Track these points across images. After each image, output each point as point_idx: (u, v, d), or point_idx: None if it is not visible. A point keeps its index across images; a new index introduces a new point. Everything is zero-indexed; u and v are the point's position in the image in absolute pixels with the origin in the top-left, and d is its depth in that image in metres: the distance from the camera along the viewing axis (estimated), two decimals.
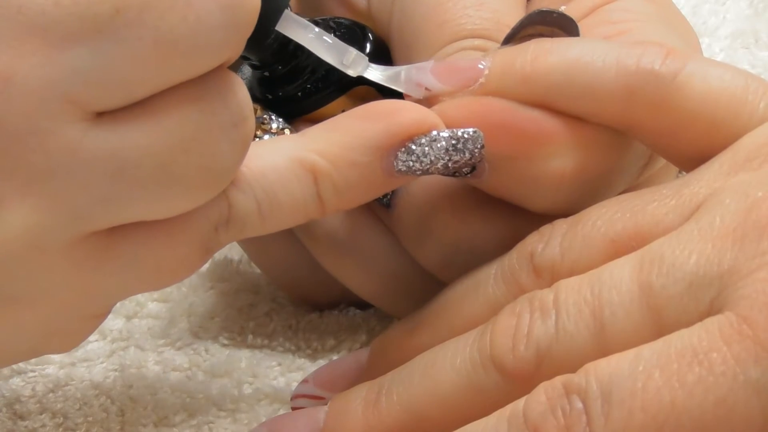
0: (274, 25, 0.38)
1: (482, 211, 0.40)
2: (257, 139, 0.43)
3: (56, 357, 0.47)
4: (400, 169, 0.37)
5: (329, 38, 0.39)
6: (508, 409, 0.33)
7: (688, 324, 0.32)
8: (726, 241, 0.33)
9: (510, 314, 0.35)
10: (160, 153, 0.32)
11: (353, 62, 0.39)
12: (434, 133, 0.38)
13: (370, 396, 0.37)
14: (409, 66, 0.40)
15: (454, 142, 0.38)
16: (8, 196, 0.31)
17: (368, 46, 0.43)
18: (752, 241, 0.32)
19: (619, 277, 0.34)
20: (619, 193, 0.39)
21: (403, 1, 0.43)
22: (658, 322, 0.33)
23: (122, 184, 0.32)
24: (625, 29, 0.43)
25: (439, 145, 0.37)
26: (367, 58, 0.39)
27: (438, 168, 0.38)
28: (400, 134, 0.37)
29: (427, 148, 0.37)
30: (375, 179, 0.37)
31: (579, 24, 0.42)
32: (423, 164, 0.37)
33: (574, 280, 0.35)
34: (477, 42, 0.41)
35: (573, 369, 0.32)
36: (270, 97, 0.44)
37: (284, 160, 0.36)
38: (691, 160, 0.37)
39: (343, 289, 0.45)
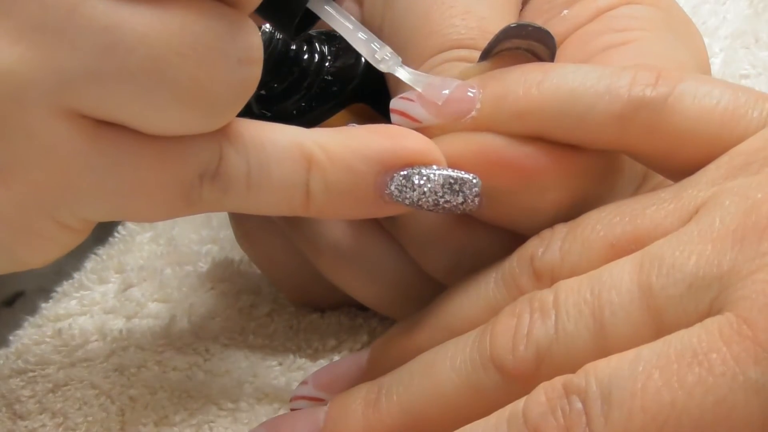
0: (305, 3, 0.39)
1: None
2: None
3: (57, 357, 0.47)
4: (391, 192, 0.37)
5: (364, 32, 0.40)
6: (508, 409, 0.33)
7: (688, 325, 0.32)
8: (725, 243, 0.33)
9: (510, 315, 0.35)
10: (155, 45, 0.32)
11: (386, 58, 0.40)
12: (435, 167, 0.38)
13: (369, 396, 0.37)
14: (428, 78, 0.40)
15: (451, 181, 0.38)
16: None
17: (362, 59, 0.43)
18: (752, 243, 0.32)
19: (619, 278, 0.34)
20: None
21: (393, 12, 0.43)
22: (658, 323, 0.33)
23: (112, 63, 0.32)
24: (630, 39, 0.43)
25: (436, 181, 0.37)
26: (400, 59, 0.40)
27: (428, 203, 0.38)
28: (404, 158, 0.37)
29: (424, 180, 0.37)
30: (364, 193, 0.37)
31: (583, 30, 0.42)
32: (416, 194, 0.37)
33: (574, 281, 0.35)
34: (462, 53, 0.41)
35: (573, 369, 0.32)
36: (267, 114, 0.44)
37: (286, 139, 0.36)
38: (689, 174, 0.37)
39: (345, 293, 0.45)
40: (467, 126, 0.39)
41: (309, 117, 0.43)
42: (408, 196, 0.37)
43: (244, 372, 0.45)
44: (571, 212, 0.39)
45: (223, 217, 0.54)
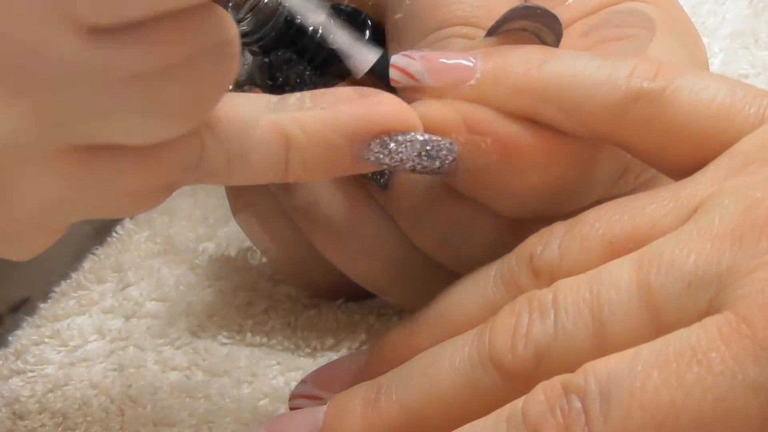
0: None
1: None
2: None
3: (56, 357, 0.47)
4: (368, 159, 0.38)
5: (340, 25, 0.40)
6: (507, 408, 0.33)
7: (687, 323, 0.32)
8: (725, 241, 0.33)
9: (509, 314, 0.35)
10: (148, 77, 0.32)
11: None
12: (411, 134, 0.38)
13: (369, 396, 0.37)
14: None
15: (428, 147, 0.38)
16: None
17: (367, 33, 0.43)
18: (751, 241, 0.32)
19: (618, 277, 0.34)
20: (592, 204, 0.39)
21: None
22: (657, 322, 0.33)
23: (109, 101, 0.32)
24: (628, 35, 0.43)
25: (412, 147, 0.38)
26: (382, 50, 0.40)
27: (405, 168, 0.38)
28: (379, 125, 0.38)
29: (401, 147, 0.38)
30: (341, 161, 0.38)
31: (583, 21, 0.42)
32: (392, 160, 0.38)
33: (573, 280, 0.35)
34: (466, 30, 0.41)
35: (572, 368, 0.32)
36: (270, 83, 0.44)
37: (264, 121, 0.37)
38: (684, 172, 0.37)
39: (341, 275, 0.45)
40: (463, 94, 0.39)
41: (311, 87, 0.43)
42: (385, 162, 0.38)
43: (243, 372, 0.45)
44: (547, 199, 0.39)
45: (219, 214, 0.54)
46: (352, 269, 0.44)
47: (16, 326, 0.49)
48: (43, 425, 0.44)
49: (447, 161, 0.38)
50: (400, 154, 0.38)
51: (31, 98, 0.32)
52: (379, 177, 0.42)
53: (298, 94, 0.38)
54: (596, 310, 0.34)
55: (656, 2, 0.45)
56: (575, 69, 0.38)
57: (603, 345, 0.33)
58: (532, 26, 0.40)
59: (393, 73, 0.40)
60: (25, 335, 0.49)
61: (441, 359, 0.36)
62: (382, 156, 0.38)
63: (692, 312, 0.32)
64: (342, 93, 0.38)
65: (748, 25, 0.58)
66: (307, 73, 0.44)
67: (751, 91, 0.37)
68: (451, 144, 0.38)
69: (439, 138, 0.38)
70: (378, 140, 0.38)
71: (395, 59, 0.40)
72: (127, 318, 0.49)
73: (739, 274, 0.32)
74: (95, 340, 0.48)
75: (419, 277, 0.42)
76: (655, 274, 0.33)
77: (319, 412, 0.38)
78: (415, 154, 0.38)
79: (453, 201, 0.41)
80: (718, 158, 0.36)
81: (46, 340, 0.48)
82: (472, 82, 0.39)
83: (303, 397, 0.41)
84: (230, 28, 0.33)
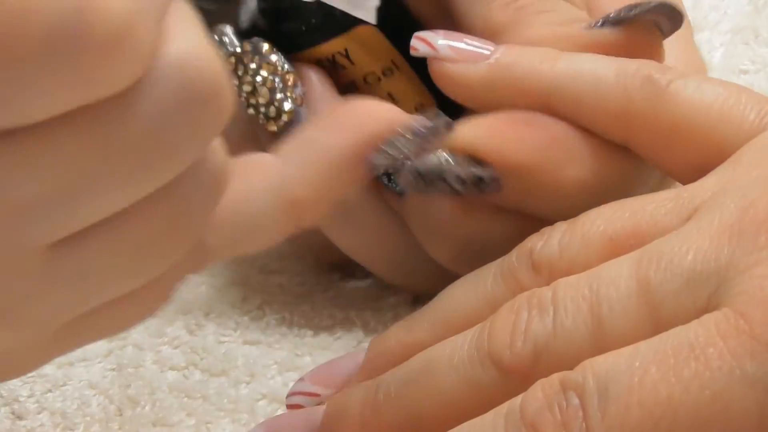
0: None
1: (493, 206, 0.41)
2: (259, 78, 0.42)
3: None
4: (375, 162, 0.37)
5: None
6: (506, 406, 0.33)
7: (686, 320, 0.32)
8: (723, 238, 0.33)
9: (508, 311, 0.35)
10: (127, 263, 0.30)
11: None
12: (401, 130, 0.38)
13: (368, 394, 0.37)
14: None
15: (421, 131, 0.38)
16: None
17: None
18: (749, 237, 0.32)
19: (618, 274, 0.34)
20: None
21: None
22: (656, 318, 0.33)
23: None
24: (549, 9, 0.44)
25: (407, 140, 0.37)
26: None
27: (412, 158, 0.38)
28: (373, 141, 0.37)
29: (399, 144, 0.37)
30: (347, 185, 0.37)
31: None
32: (396, 160, 0.37)
33: (573, 278, 0.35)
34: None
35: (571, 365, 0.32)
36: (272, 30, 0.44)
37: (267, 200, 0.35)
38: (685, 170, 0.38)
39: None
40: (478, 75, 0.40)
41: (315, 35, 0.43)
42: (394, 155, 0.37)
43: (241, 371, 0.45)
44: (592, 199, 0.39)
45: None
46: (362, 258, 0.45)
47: None
48: (42, 425, 0.43)
49: (490, 181, 0.38)
50: (404, 149, 0.37)
51: None
52: (395, 184, 0.42)
53: (294, 149, 0.36)
54: (595, 307, 0.34)
55: None
56: (589, 61, 0.40)
57: (602, 342, 0.33)
58: (664, 21, 0.41)
59: (415, 42, 0.41)
60: None
61: (440, 357, 0.36)
62: (384, 159, 0.37)
63: (691, 308, 0.32)
64: (328, 124, 0.37)
65: (749, 21, 0.58)
66: (312, 21, 0.43)
67: (754, 98, 0.38)
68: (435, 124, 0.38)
69: (422, 122, 0.38)
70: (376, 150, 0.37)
71: (419, 32, 0.41)
72: None
73: (738, 270, 0.32)
74: None
75: (427, 272, 0.42)
76: (655, 270, 0.33)
77: (318, 412, 0.38)
78: (415, 144, 0.38)
79: (468, 215, 0.41)
80: (722, 165, 0.37)
81: None
82: (491, 60, 0.40)
83: (300, 394, 0.41)
84: (220, 153, 0.31)
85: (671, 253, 0.33)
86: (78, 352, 0.47)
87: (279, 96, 0.42)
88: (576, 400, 0.31)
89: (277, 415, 0.41)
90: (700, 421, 0.30)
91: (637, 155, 0.40)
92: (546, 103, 0.39)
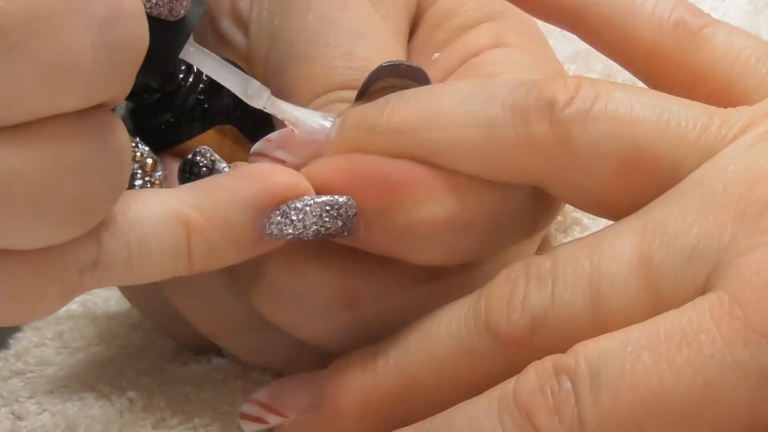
0: (178, 54, 0.38)
1: (316, 260, 0.39)
2: None
3: (56, 358, 0.47)
4: (272, 232, 0.37)
5: (234, 68, 0.39)
6: (499, 388, 0.33)
7: (685, 298, 0.32)
8: (728, 214, 0.32)
9: (506, 280, 0.35)
10: (32, 178, 0.31)
11: (256, 92, 0.39)
12: (307, 198, 0.37)
13: (367, 360, 0.37)
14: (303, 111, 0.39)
15: (327, 208, 0.37)
16: None
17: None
18: (752, 218, 0.32)
19: (621, 249, 0.34)
20: (516, 244, 0.39)
21: (277, 53, 0.42)
22: (655, 295, 0.33)
23: None
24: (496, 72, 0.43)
25: (311, 211, 0.37)
26: (269, 90, 0.39)
27: (309, 234, 0.37)
28: (276, 195, 0.37)
29: (301, 214, 0.37)
30: (245, 240, 0.37)
31: (452, 77, 0.42)
32: (296, 228, 0.37)
33: (574, 249, 0.35)
34: (345, 94, 0.40)
35: (568, 338, 0.32)
36: (137, 127, 0.43)
37: (161, 211, 0.35)
38: None
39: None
40: (332, 151, 0.38)
41: (178, 134, 0.43)
42: (289, 231, 0.37)
43: (239, 376, 0.45)
44: (453, 238, 0.37)
45: None
46: (195, 320, 0.43)
47: (17, 328, 0.49)
48: (42, 426, 0.44)
49: (349, 217, 0.37)
50: (303, 221, 0.37)
51: None
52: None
53: (192, 183, 0.37)
54: (595, 281, 0.33)
55: (523, 47, 0.45)
56: (444, 95, 0.38)
57: (600, 317, 0.33)
58: (400, 82, 0.39)
59: (258, 162, 0.39)
60: (25, 337, 0.49)
61: (437, 325, 0.36)
62: (284, 227, 0.37)
63: (690, 286, 0.32)
64: (234, 172, 0.37)
65: (749, 21, 0.58)
66: (172, 120, 0.43)
67: None
68: (348, 199, 0.37)
69: (336, 196, 0.37)
70: (278, 211, 0.37)
71: (257, 147, 0.39)
72: (131, 325, 0.49)
73: (737, 251, 0.32)
74: (97, 344, 0.48)
75: (260, 335, 0.41)
76: (657, 246, 0.33)
77: (320, 376, 0.38)
78: (316, 217, 0.37)
79: (291, 267, 0.39)
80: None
81: (47, 342, 0.48)
82: (332, 134, 0.38)
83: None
84: (122, 135, 0.33)
85: (675, 227, 0.33)
86: (81, 356, 0.47)
87: (138, 182, 0.42)
88: (568, 385, 0.31)
89: (281, 379, 0.41)
90: (691, 408, 0.30)
91: (499, 190, 0.38)
92: (406, 147, 0.37)
